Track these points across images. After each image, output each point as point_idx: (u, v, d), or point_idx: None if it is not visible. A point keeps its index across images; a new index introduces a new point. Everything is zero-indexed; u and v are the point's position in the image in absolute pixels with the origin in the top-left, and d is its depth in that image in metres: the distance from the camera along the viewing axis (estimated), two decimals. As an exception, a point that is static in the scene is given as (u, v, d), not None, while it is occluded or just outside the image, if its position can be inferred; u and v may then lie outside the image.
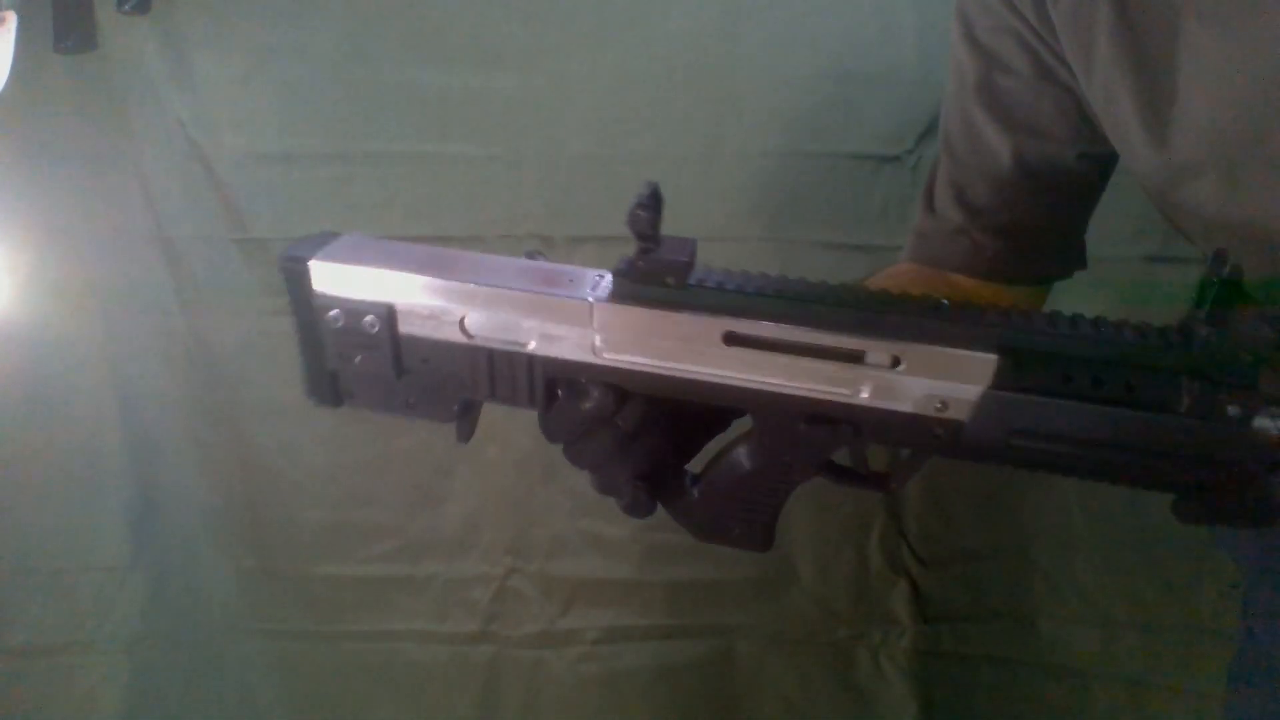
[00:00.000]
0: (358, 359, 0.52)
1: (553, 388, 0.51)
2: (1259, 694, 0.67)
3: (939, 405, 0.46)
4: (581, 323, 0.48)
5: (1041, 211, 0.68)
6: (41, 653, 1.20)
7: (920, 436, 0.47)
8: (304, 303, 0.51)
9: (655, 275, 0.47)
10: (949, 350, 0.45)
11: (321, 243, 0.51)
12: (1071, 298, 1.13)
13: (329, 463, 1.21)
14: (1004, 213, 0.67)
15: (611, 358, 0.48)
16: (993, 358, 0.44)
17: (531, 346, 0.49)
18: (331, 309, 0.51)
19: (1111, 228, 1.10)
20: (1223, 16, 0.49)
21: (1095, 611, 1.15)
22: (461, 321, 0.50)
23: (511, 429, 1.20)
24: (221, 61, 1.16)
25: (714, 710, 1.24)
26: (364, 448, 1.21)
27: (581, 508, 1.22)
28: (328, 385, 0.54)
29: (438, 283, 0.49)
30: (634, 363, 0.48)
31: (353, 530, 1.22)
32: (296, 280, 0.51)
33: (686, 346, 0.47)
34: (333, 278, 0.51)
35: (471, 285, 0.49)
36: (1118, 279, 1.12)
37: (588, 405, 0.50)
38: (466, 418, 0.57)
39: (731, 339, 0.46)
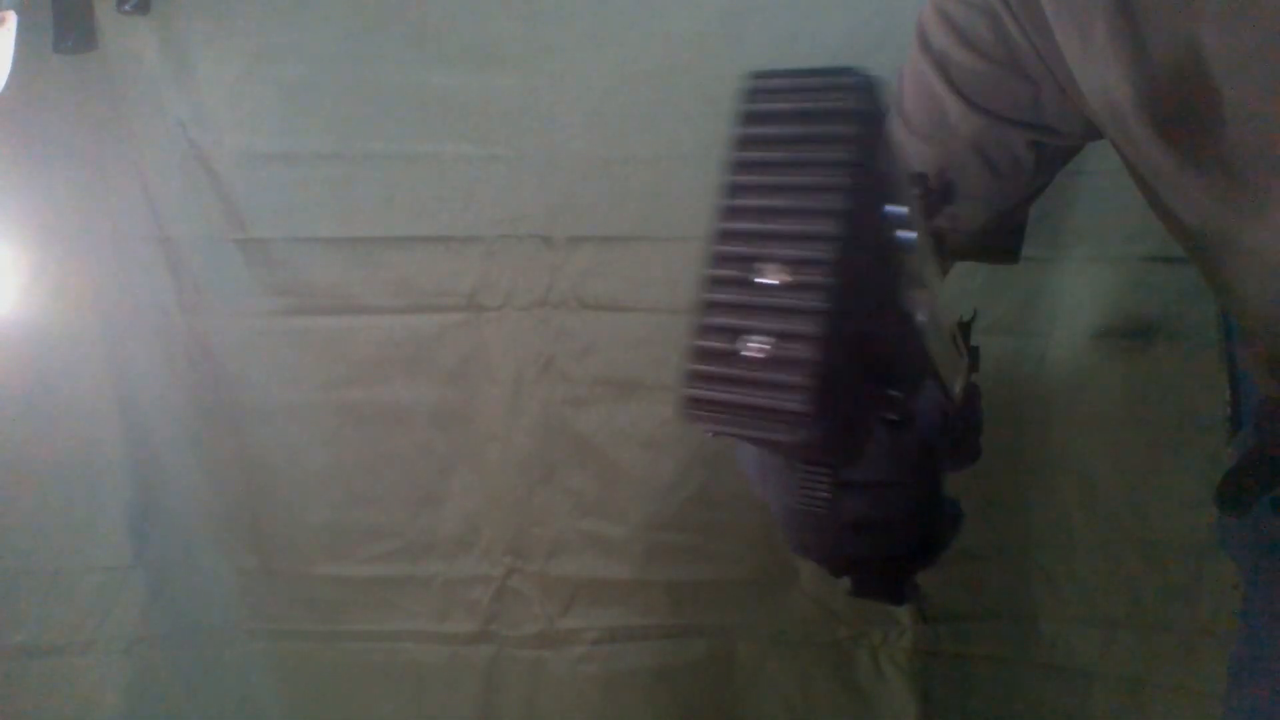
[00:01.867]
0: (885, 312, 0.29)
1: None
2: (1259, 694, 0.67)
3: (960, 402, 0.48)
4: (933, 293, 0.36)
5: (989, 196, 0.68)
6: (41, 653, 1.20)
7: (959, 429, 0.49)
8: (869, 179, 0.25)
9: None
10: (964, 353, 0.48)
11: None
12: (1071, 296, 1.14)
13: (329, 463, 1.21)
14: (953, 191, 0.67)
15: (932, 342, 0.37)
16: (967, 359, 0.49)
17: (922, 320, 0.34)
18: (894, 205, 0.27)
19: (1111, 228, 1.10)
20: (1226, 19, 0.49)
21: (1095, 611, 1.15)
22: (913, 278, 0.33)
23: (512, 429, 1.20)
24: (221, 61, 1.16)
25: (714, 710, 1.24)
26: (364, 448, 1.21)
27: (581, 508, 1.22)
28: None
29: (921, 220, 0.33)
30: (932, 349, 0.38)
31: (353, 530, 1.22)
32: (871, 135, 0.25)
33: (940, 335, 0.40)
34: (890, 152, 0.28)
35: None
36: (1117, 279, 1.12)
37: (942, 405, 0.38)
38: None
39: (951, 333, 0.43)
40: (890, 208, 0.26)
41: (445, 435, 1.21)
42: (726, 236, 0.25)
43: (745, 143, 0.26)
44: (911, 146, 0.67)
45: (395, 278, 1.18)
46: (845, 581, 0.44)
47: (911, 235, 0.28)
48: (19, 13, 1.00)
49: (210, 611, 1.23)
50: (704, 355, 0.25)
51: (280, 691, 1.24)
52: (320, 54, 1.16)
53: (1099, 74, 0.56)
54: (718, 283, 0.25)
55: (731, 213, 0.25)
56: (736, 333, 0.24)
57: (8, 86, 1.00)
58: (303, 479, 1.21)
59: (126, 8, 1.11)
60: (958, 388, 0.50)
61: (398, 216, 1.18)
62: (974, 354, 0.56)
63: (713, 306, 0.25)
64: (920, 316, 0.33)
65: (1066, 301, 1.14)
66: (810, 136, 0.24)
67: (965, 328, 0.57)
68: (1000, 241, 0.73)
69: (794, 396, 0.23)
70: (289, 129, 1.17)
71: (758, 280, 0.24)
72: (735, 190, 0.25)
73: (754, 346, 0.24)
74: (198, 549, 1.22)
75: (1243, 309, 0.65)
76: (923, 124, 0.66)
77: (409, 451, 1.21)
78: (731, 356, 0.24)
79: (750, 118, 0.26)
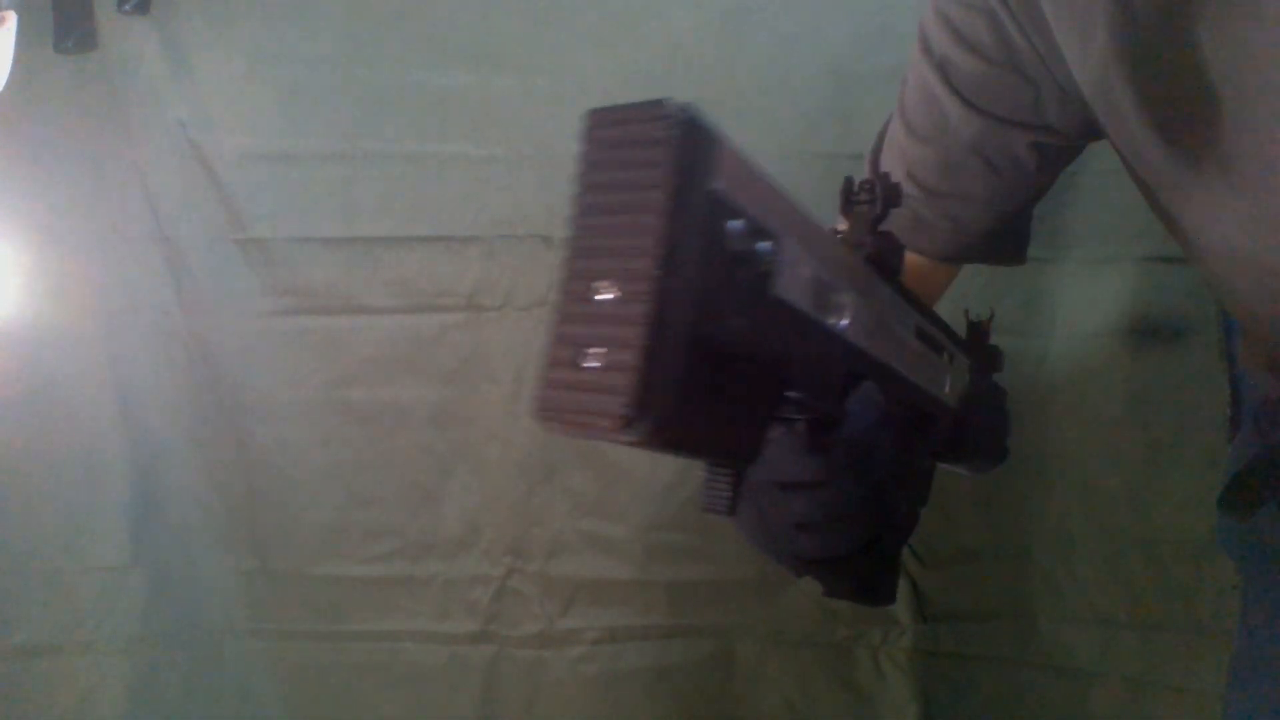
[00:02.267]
0: (738, 321, 0.30)
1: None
2: (1259, 694, 0.67)
3: (958, 401, 0.51)
4: (868, 296, 0.39)
5: (990, 197, 0.68)
6: (41, 653, 1.20)
7: (953, 431, 0.52)
8: (695, 202, 0.27)
9: (891, 261, 0.42)
10: (960, 351, 0.52)
11: (702, 111, 0.28)
12: (1072, 297, 1.14)
13: (329, 463, 1.21)
14: (953, 194, 0.67)
15: (868, 343, 0.39)
16: (967, 357, 0.53)
17: (844, 324, 0.37)
18: (734, 219, 0.29)
19: (1111, 228, 1.10)
20: (1223, 19, 0.49)
21: (1095, 611, 1.15)
22: (811, 280, 0.34)
23: (512, 429, 1.20)
24: (221, 61, 1.16)
25: (714, 710, 1.24)
26: (364, 448, 1.21)
27: (581, 508, 1.22)
28: (685, 377, 0.28)
29: (807, 217, 0.34)
30: (872, 350, 0.40)
31: (353, 530, 1.22)
32: (694, 160, 0.27)
33: (897, 338, 0.43)
34: (737, 171, 0.29)
35: (821, 226, 0.35)
36: (1118, 279, 1.12)
37: (881, 404, 0.39)
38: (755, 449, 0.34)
39: (919, 334, 0.46)
40: (733, 223, 0.28)
41: (445, 435, 1.21)
42: (573, 256, 0.28)
43: (585, 171, 0.29)
44: (913, 150, 0.67)
45: (395, 278, 1.18)
46: (814, 583, 0.45)
47: (767, 245, 0.30)
48: (19, 13, 1.00)
49: (210, 611, 1.23)
50: (553, 364, 0.28)
51: (280, 691, 1.24)
52: (320, 54, 1.16)
53: (1098, 75, 0.56)
54: (565, 297, 0.28)
55: (576, 235, 0.28)
56: (580, 344, 0.27)
57: (8, 86, 1.00)
58: (303, 479, 1.21)
59: (126, 8, 1.11)
60: (947, 388, 0.50)
61: (398, 216, 1.18)
62: (994, 354, 0.58)
63: (561, 320, 0.28)
64: (843, 321, 0.36)
65: (1066, 301, 1.14)
66: (633, 161, 0.27)
67: (979, 328, 0.58)
68: (1005, 243, 0.74)
69: (618, 400, 0.26)
70: (289, 129, 1.17)
71: (596, 296, 0.27)
72: (579, 214, 0.28)
73: (592, 356, 0.27)
74: (198, 549, 1.22)
75: (1242, 309, 0.65)
76: (924, 127, 0.67)
77: (409, 451, 1.21)
78: (575, 365, 0.27)
79: (588, 149, 0.29)
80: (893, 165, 0.69)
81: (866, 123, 1.15)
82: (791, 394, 0.35)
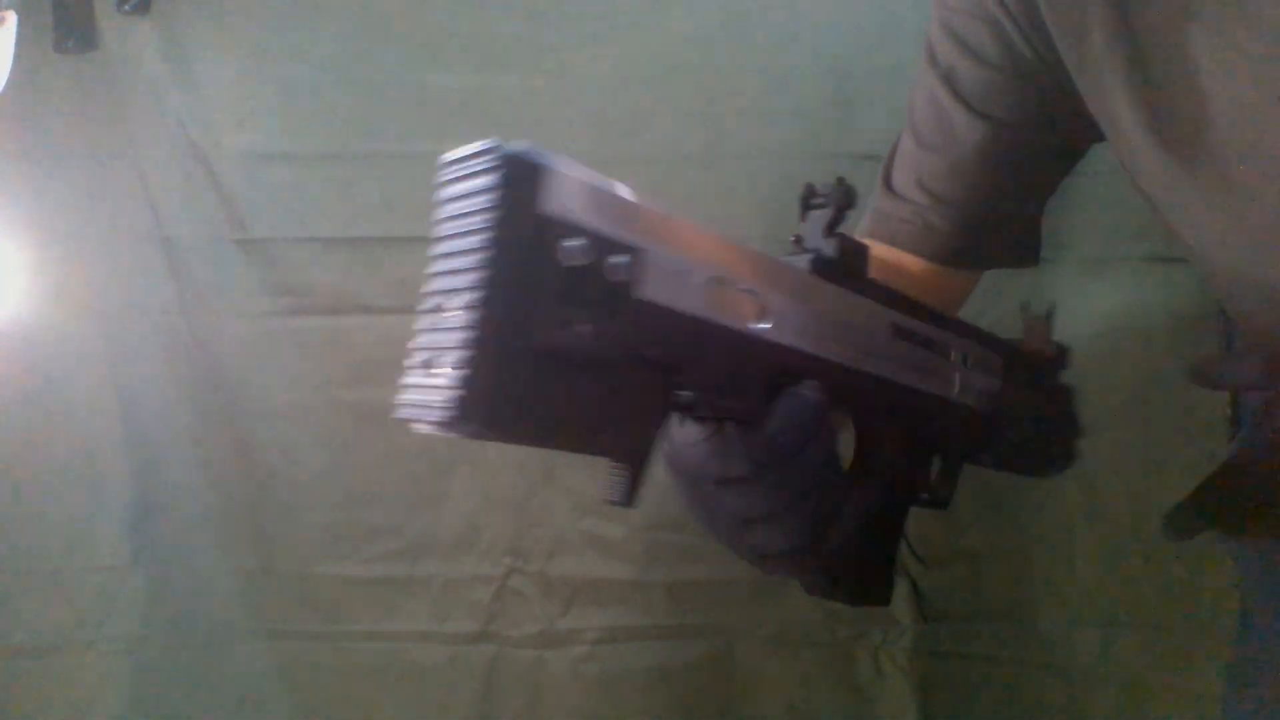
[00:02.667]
0: (584, 328, 0.33)
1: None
2: (1259, 694, 0.67)
3: (984, 401, 0.52)
4: (802, 299, 0.41)
5: (999, 201, 0.68)
6: (41, 653, 1.20)
7: (970, 431, 0.52)
8: (520, 227, 0.31)
9: (846, 262, 0.45)
10: (988, 351, 0.53)
11: (531, 148, 0.32)
12: (1071, 296, 1.14)
13: (329, 463, 1.21)
14: (962, 200, 0.68)
15: (808, 344, 0.41)
16: (1000, 358, 0.54)
17: (764, 326, 0.39)
18: (570, 238, 0.32)
19: (1111, 228, 1.10)
20: (1216, 19, 0.49)
21: (1095, 611, 1.15)
22: (707, 286, 0.37)
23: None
24: (221, 61, 1.16)
25: (714, 710, 1.24)
26: (364, 448, 1.21)
27: (581, 508, 1.22)
28: (518, 380, 0.31)
29: (693, 230, 0.37)
30: (817, 350, 0.42)
31: (353, 530, 1.22)
32: (518, 191, 0.31)
33: (862, 337, 0.45)
34: (575, 195, 0.33)
35: (723, 240, 0.37)
36: (1118, 279, 1.12)
37: (811, 402, 0.40)
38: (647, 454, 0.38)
39: (898, 332, 0.47)
40: (571, 241, 0.31)
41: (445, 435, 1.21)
42: (430, 279, 0.33)
43: (439, 206, 0.33)
44: (923, 158, 0.68)
45: (395, 278, 1.18)
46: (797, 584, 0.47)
47: (622, 258, 0.33)
48: (19, 13, 1.00)
49: (210, 611, 1.23)
50: (410, 371, 0.32)
51: (280, 691, 1.24)
52: (320, 54, 1.16)
53: (1096, 79, 0.56)
54: (423, 313, 0.33)
55: (434, 261, 0.33)
56: (430, 353, 0.31)
57: (8, 86, 1.00)
58: (303, 479, 1.21)
59: (126, 8, 1.12)
60: (957, 388, 0.50)
61: (398, 217, 1.18)
62: (1055, 351, 0.59)
63: (418, 334, 0.33)
64: (762, 323, 0.39)
65: (1066, 301, 1.13)
66: (466, 196, 0.31)
67: (1034, 326, 0.59)
68: (1016, 245, 0.74)
69: (450, 401, 0.30)
70: (289, 129, 1.17)
71: (443, 313, 0.32)
72: (436, 243, 0.33)
73: (437, 364, 0.31)
74: (198, 549, 1.22)
75: (1241, 311, 0.66)
76: (931, 136, 0.67)
77: (409, 451, 1.21)
78: (426, 372, 0.32)
79: (441, 186, 0.33)
80: (904, 176, 0.70)
81: (868, 122, 1.15)
82: (684, 393, 0.37)
